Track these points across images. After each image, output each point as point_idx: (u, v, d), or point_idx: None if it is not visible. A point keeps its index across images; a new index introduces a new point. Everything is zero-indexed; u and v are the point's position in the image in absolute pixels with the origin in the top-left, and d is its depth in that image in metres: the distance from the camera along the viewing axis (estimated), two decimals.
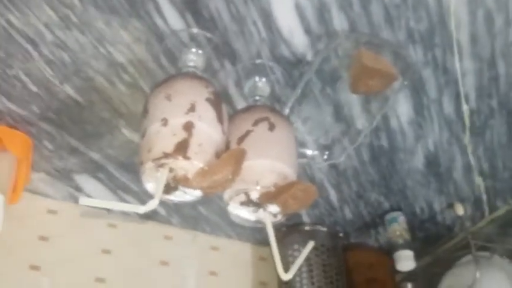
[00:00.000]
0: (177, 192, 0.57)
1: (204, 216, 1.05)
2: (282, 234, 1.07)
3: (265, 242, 1.13)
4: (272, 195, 0.58)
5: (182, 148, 0.53)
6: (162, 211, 1.03)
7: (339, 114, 0.81)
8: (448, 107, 0.81)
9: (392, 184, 0.97)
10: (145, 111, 0.59)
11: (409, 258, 0.97)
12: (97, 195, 0.96)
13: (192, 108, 0.56)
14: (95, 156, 0.89)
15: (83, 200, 0.51)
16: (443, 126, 0.84)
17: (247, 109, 0.67)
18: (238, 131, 0.62)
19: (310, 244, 0.67)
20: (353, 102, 0.79)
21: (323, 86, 0.76)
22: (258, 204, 0.61)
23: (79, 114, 0.80)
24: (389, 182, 0.97)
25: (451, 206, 1.03)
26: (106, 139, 0.85)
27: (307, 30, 0.68)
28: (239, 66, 0.73)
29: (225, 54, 0.71)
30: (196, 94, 0.58)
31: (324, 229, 1.06)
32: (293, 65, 0.73)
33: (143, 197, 0.97)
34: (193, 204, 1.01)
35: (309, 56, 0.72)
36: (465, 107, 0.81)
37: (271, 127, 0.62)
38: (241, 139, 0.61)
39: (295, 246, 1.04)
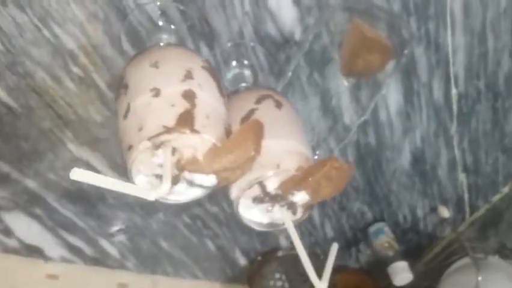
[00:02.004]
0: (179, 186, 0.43)
1: (166, 253, 0.88)
2: (258, 265, 0.93)
3: (237, 278, 0.98)
4: (299, 179, 0.45)
5: (187, 120, 0.39)
6: (114, 252, 0.85)
7: (327, 106, 0.72)
8: (438, 92, 0.75)
9: (377, 189, 0.89)
10: (123, 86, 0.45)
11: (405, 269, 0.88)
12: (31, 238, 0.76)
13: (189, 75, 0.43)
14: (31, 184, 0.70)
15: (76, 173, 0.35)
16: (431, 116, 0.78)
17: (241, 91, 0.55)
18: (240, 110, 0.50)
19: (335, 247, 0.55)
20: (342, 90, 0.70)
21: (311, 71, 0.67)
22: (275, 198, 0.48)
23: (11, 125, 0.62)
24: (374, 187, 0.88)
25: (434, 210, 0.96)
26: (46, 160, 0.67)
27: (297, 1, 0.59)
28: (217, 51, 0.61)
29: (202, 34, 0.60)
30: (190, 61, 0.45)
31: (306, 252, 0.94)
32: (279, 47, 0.63)
33: (93, 235, 0.79)
34: (153, 239, 0.84)
35: (298, 35, 0.63)
36: (454, 91, 0.76)
37: (278, 105, 0.51)
38: (245, 119, 0.49)
39: (277, 275, 0.90)
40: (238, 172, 0.42)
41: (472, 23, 0.68)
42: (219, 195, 0.80)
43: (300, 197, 0.47)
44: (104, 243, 0.82)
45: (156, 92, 0.41)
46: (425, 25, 0.66)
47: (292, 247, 0.94)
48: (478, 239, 1.01)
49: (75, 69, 0.59)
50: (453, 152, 0.85)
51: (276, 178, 0.46)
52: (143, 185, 0.42)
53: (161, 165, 0.40)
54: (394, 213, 0.95)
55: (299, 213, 0.50)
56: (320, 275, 0.91)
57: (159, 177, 0.42)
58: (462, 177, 0.91)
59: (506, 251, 0.98)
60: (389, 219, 0.95)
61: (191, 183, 0.42)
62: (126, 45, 0.58)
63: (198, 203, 0.81)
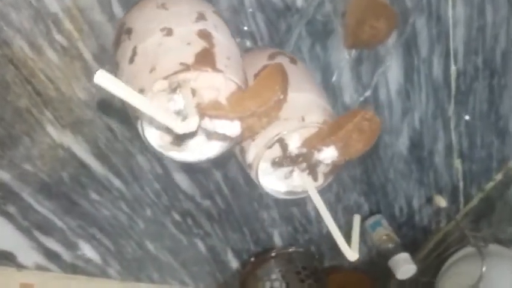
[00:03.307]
0: (196, 139, 0.37)
1: (153, 256, 0.81)
2: (252, 266, 0.87)
3: (229, 284, 0.91)
4: (327, 133, 0.40)
5: (207, 57, 0.34)
6: (96, 257, 0.77)
7: (327, 83, 0.68)
8: (437, 69, 0.73)
9: (374, 178, 0.85)
10: (125, 32, 0.39)
11: (408, 261, 0.83)
12: (2, 242, 0.68)
13: (202, 17, 0.38)
14: (4, 176, 0.62)
15: (100, 77, 0.28)
16: (430, 95, 0.76)
17: (250, 50, 0.50)
18: (252, 67, 0.45)
19: (357, 217, 0.50)
20: (343, 65, 0.67)
21: (313, 43, 0.63)
22: (296, 160, 0.43)
23: None
24: (370, 176, 0.84)
25: (429, 200, 0.93)
26: (21, 146, 0.60)
27: None
28: None
29: None
30: (200, 4, 0.40)
31: (301, 250, 0.88)
32: (280, 14, 0.59)
33: (73, 237, 0.71)
34: (139, 240, 0.77)
35: (300, 1, 0.59)
36: (453, 68, 0.74)
37: (292, 60, 0.46)
38: (259, 75, 0.44)
39: (273, 276, 0.84)
40: (264, 120, 0.37)
41: None
42: (211, 185, 0.74)
43: (328, 154, 0.42)
44: (85, 247, 0.74)
45: (168, 31, 0.36)
46: None
47: (286, 246, 0.89)
48: (472, 230, 0.98)
49: (58, 37, 0.53)
50: (450, 135, 0.83)
51: (299, 136, 0.41)
52: (155, 139, 0.36)
53: (178, 112, 0.35)
54: (390, 204, 0.91)
55: (320, 179, 0.45)
56: (318, 276, 0.86)
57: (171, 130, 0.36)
58: (457, 163, 0.89)
59: (499, 241, 0.96)
60: (385, 211, 0.91)
61: (209, 136, 0.37)
62: (117, 9, 0.53)
63: (189, 196, 0.74)
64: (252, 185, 0.77)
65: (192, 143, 0.37)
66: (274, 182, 0.45)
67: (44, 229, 0.69)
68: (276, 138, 0.40)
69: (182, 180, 0.71)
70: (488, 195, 0.97)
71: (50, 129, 0.59)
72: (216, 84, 0.35)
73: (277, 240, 0.88)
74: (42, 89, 0.56)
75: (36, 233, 0.69)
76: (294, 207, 0.83)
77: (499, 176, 0.95)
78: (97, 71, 0.56)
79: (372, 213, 0.91)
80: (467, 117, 0.82)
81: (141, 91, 0.34)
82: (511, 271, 0.82)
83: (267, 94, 0.36)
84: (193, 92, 0.35)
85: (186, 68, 0.33)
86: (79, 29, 0.53)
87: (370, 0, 0.57)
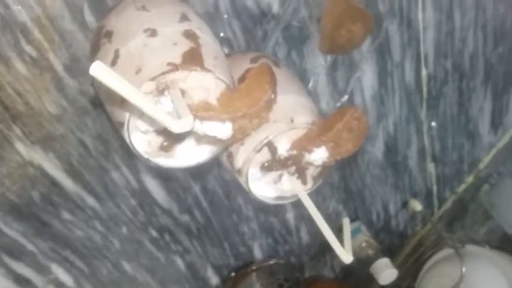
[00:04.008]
0: (185, 144, 0.35)
1: (130, 277, 0.77)
2: (233, 282, 0.85)
3: None
4: (316, 134, 0.39)
5: (195, 56, 0.33)
6: (69, 282, 0.72)
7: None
8: (409, 73, 0.74)
9: (351, 184, 0.85)
10: (105, 35, 0.37)
11: (389, 266, 0.83)
12: None
13: (185, 18, 0.37)
14: None
15: (97, 68, 0.26)
16: (403, 99, 0.77)
17: (231, 54, 0.49)
18: (235, 71, 0.43)
19: (346, 220, 0.49)
20: (319, 71, 0.67)
21: (289, 49, 0.63)
22: (285, 163, 0.42)
23: None
24: (348, 182, 0.84)
25: (405, 205, 0.94)
26: None
27: None
28: None
29: None
30: (181, 6, 0.39)
31: (282, 261, 0.87)
32: (256, 21, 0.59)
33: (44, 260, 0.67)
34: (114, 261, 0.74)
35: (276, 7, 0.59)
36: (424, 73, 0.75)
37: (275, 63, 0.46)
38: (242, 79, 0.43)
39: None
40: (255, 122, 0.35)
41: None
42: (189, 199, 0.72)
43: (319, 155, 0.41)
44: (58, 270, 0.70)
45: (152, 32, 0.35)
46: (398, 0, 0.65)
47: (266, 258, 0.87)
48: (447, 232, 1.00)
49: (27, 48, 0.50)
50: (423, 139, 0.84)
51: (287, 139, 0.41)
52: (141, 146, 0.34)
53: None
54: (368, 210, 0.91)
55: (310, 183, 0.44)
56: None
57: (160, 133, 0.34)
58: (431, 167, 0.90)
59: (474, 242, 0.97)
60: (363, 218, 0.91)
61: (199, 140, 0.35)
62: (89, 17, 0.51)
63: (166, 211, 0.72)
64: (232, 196, 0.75)
65: (180, 148, 0.36)
66: (263, 187, 0.44)
67: (14, 253, 0.65)
68: (265, 141, 0.39)
69: (159, 194, 0.69)
70: (460, 197, 0.99)
71: (19, 146, 0.56)
72: (206, 85, 0.34)
73: (258, 253, 0.86)
74: (10, 103, 0.53)
75: (5, 258, 0.65)
76: (273, 218, 0.82)
77: (470, 179, 0.97)
78: (67, 81, 0.54)
79: (351, 220, 0.90)
80: (433, 124, 0.83)
81: None
82: (490, 270, 0.83)
83: (257, 94, 0.35)
84: (182, 93, 0.33)
85: (174, 68, 0.32)
86: (49, 38, 0.51)
87: (346, 4, 0.57)
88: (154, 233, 0.73)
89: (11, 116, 0.54)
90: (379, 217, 0.94)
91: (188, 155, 0.37)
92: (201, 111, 0.33)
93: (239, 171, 0.41)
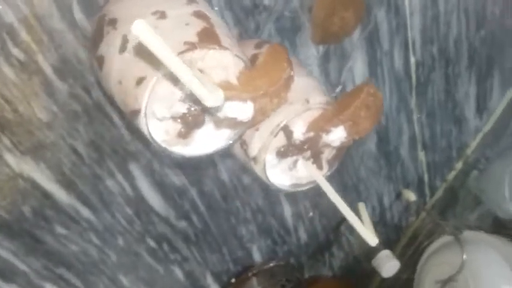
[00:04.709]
0: (204, 129, 0.33)
1: None
2: None
3: None
4: (333, 113, 0.38)
5: (211, 35, 0.31)
6: None
7: None
8: (398, 61, 0.74)
9: (347, 179, 0.84)
10: (109, 23, 0.35)
11: (390, 257, 0.82)
12: None
13: (192, 0, 0.35)
14: None
15: (139, 27, 0.24)
16: (393, 88, 0.77)
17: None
18: None
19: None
20: (311, 61, 0.66)
21: (282, 41, 0.61)
22: (301, 147, 0.40)
23: None
24: (343, 176, 0.83)
25: (398, 196, 0.93)
26: None
27: None
28: None
29: None
30: None
31: (282, 263, 0.85)
32: (248, 12, 0.57)
33: (37, 279, 0.63)
34: (111, 275, 0.70)
35: None
36: (412, 60, 0.75)
37: None
38: (253, 62, 0.41)
39: None
40: (275, 101, 0.34)
41: None
42: (186, 204, 0.70)
43: (337, 135, 0.39)
44: None
45: (161, 15, 0.33)
46: None
47: (265, 261, 0.85)
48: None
49: (14, 51, 0.48)
50: (413, 128, 0.84)
51: (302, 121, 0.39)
52: (158, 134, 0.32)
53: (183, 99, 0.31)
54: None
55: (325, 168, 0.43)
56: None
57: (177, 120, 0.32)
58: (421, 155, 0.90)
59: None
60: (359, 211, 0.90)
61: (218, 123, 0.33)
62: (78, 14, 0.48)
63: (163, 219, 0.69)
64: (229, 198, 0.73)
65: (199, 133, 0.34)
66: (278, 175, 0.42)
67: (5, 274, 0.61)
68: (282, 124, 0.38)
69: (155, 201, 0.66)
70: (451, 185, 1.00)
71: (8, 157, 0.53)
72: (224, 63, 0.32)
73: (257, 256, 0.84)
74: None
75: None
76: (271, 218, 0.80)
77: (459, 165, 0.98)
78: (57, 84, 0.51)
79: None
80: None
81: (141, 80, 0.31)
82: (490, 254, 0.83)
83: (276, 72, 0.33)
84: (201, 73, 0.31)
85: (192, 46, 0.30)
86: (37, 40, 0.48)
87: None
88: (151, 243, 0.70)
89: None
90: (374, 210, 0.93)
91: (206, 141, 0.35)
92: (223, 90, 0.31)
93: (255, 158, 0.39)
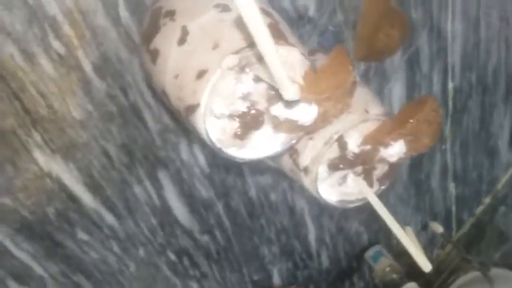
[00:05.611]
0: (262, 131, 0.31)
1: None
2: None
3: None
4: (393, 126, 0.36)
5: (277, 31, 0.29)
6: None
7: None
8: (436, 85, 0.72)
9: None
10: (165, 15, 0.34)
11: None
12: None
13: None
14: None
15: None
16: None
17: None
18: None
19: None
20: None
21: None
22: (353, 161, 0.38)
23: None
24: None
25: (425, 227, 0.90)
26: (1, 175, 0.51)
27: None
28: None
29: None
30: None
31: None
32: (293, 24, 0.56)
33: (53, 286, 0.61)
34: (129, 286, 0.67)
35: (312, 11, 0.56)
36: (450, 85, 0.73)
37: None
38: None
39: None
40: (339, 106, 0.32)
41: (469, 9, 0.67)
42: (211, 218, 0.67)
43: (396, 149, 0.37)
44: None
45: (224, 8, 0.31)
46: (429, 7, 0.63)
47: (284, 285, 0.82)
48: (463, 262, 0.96)
49: (55, 44, 0.46)
50: (445, 157, 0.82)
51: (358, 133, 0.37)
52: (214, 132, 0.30)
53: (244, 97, 0.29)
54: (388, 233, 0.87)
55: (375, 186, 0.40)
56: None
57: (235, 119, 0.30)
58: (452, 187, 0.87)
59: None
60: (383, 241, 0.87)
61: (278, 126, 0.31)
62: (123, 12, 0.47)
63: (187, 232, 0.67)
64: (255, 216, 0.71)
65: (256, 135, 0.32)
66: (326, 189, 0.39)
67: (21, 278, 0.59)
68: (338, 134, 0.35)
69: (180, 212, 0.64)
70: (478, 219, 0.96)
71: (38, 155, 0.51)
72: (291, 61, 0.30)
73: (276, 279, 0.81)
74: (32, 106, 0.48)
75: (11, 283, 0.58)
76: (295, 240, 0.77)
77: (487, 200, 0.94)
78: (95, 83, 0.50)
79: (371, 243, 0.86)
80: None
81: (202, 73, 0.29)
82: None
83: (342, 75, 0.31)
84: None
85: None
86: (79, 35, 0.47)
87: (385, 6, 0.55)
88: (172, 256, 0.68)
89: (32, 120, 0.49)
90: (399, 240, 0.90)
91: (262, 145, 0.33)
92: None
93: (306, 169, 0.37)
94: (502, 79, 0.78)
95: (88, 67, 0.49)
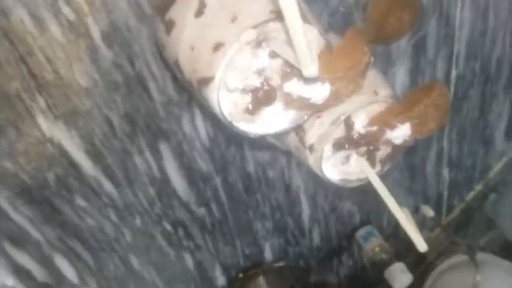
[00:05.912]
0: (274, 107, 0.31)
1: (136, 274, 0.72)
2: (240, 284, 0.80)
3: None
4: (401, 109, 0.36)
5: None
6: (72, 275, 0.66)
7: None
8: (440, 72, 0.72)
9: (370, 186, 0.82)
10: None
11: (404, 270, 0.81)
12: None
13: None
14: None
15: None
16: None
17: None
18: None
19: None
20: None
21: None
22: (358, 142, 0.38)
23: None
24: (367, 184, 0.81)
25: (416, 210, 0.92)
26: (4, 139, 0.51)
27: None
28: None
29: None
30: None
31: (292, 264, 0.83)
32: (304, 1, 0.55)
33: (48, 250, 0.61)
34: (123, 255, 0.68)
35: None
36: (453, 73, 0.74)
37: None
38: None
39: None
40: (351, 87, 0.32)
41: None
42: (208, 191, 0.68)
43: (401, 132, 0.38)
44: (61, 262, 0.64)
45: None
46: None
47: (275, 260, 0.83)
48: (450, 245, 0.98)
49: (65, 10, 0.46)
50: (442, 143, 0.83)
51: (366, 114, 0.37)
52: (226, 105, 0.30)
53: (259, 72, 0.29)
54: (380, 215, 0.89)
55: (377, 167, 0.41)
56: None
57: (248, 93, 0.30)
58: (445, 172, 0.88)
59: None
60: (374, 222, 0.89)
61: (289, 103, 0.31)
62: None
63: (184, 204, 0.67)
64: (251, 191, 0.71)
65: (266, 111, 0.32)
66: (329, 168, 0.40)
67: (17, 241, 0.59)
68: (347, 114, 0.36)
69: (179, 184, 0.64)
70: (468, 205, 0.98)
71: (41, 120, 0.51)
72: (308, 39, 0.30)
73: (268, 254, 0.82)
74: (38, 70, 0.48)
75: (7, 246, 0.59)
76: (289, 217, 0.78)
77: (479, 187, 0.96)
78: (103, 51, 0.49)
79: (362, 223, 0.88)
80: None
81: (218, 46, 0.29)
82: (504, 279, 0.81)
83: (356, 56, 0.31)
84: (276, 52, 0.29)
85: (278, 15, 0.28)
86: (89, 1, 0.46)
87: None
88: (168, 227, 0.69)
89: (37, 85, 0.48)
90: (389, 222, 0.92)
91: (271, 121, 0.33)
92: None
93: (311, 147, 0.38)
94: (504, 70, 0.78)
95: (96, 34, 0.48)
